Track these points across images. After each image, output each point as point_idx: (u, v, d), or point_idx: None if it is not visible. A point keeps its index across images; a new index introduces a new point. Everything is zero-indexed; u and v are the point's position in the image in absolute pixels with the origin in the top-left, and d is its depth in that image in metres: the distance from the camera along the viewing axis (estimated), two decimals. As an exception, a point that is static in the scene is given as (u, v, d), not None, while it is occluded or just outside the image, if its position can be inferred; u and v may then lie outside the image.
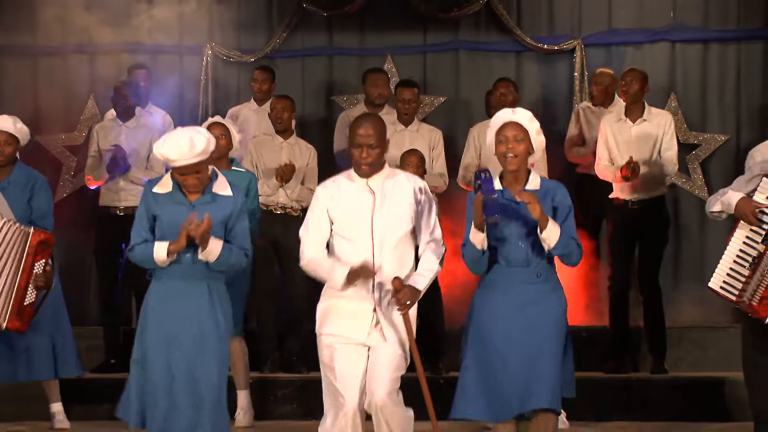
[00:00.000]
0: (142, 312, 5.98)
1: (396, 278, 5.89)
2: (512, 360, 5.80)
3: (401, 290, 5.87)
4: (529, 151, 5.87)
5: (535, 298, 5.86)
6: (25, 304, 5.90)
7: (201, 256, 5.83)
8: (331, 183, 6.18)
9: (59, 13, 10.48)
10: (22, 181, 7.54)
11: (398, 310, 5.91)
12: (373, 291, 5.94)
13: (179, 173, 5.85)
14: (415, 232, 6.06)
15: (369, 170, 5.99)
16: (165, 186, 5.98)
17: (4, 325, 5.85)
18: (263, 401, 8.21)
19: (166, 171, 6.08)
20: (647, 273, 8.72)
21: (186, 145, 5.75)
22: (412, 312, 6.06)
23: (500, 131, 5.84)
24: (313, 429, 7.48)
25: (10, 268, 5.83)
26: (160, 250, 5.84)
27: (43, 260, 5.94)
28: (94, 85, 10.57)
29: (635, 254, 8.76)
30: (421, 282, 6.00)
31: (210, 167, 5.99)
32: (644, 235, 8.67)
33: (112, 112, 9.35)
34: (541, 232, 5.73)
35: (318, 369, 7.93)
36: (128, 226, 6.09)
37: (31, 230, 5.92)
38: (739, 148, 10.19)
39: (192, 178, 5.86)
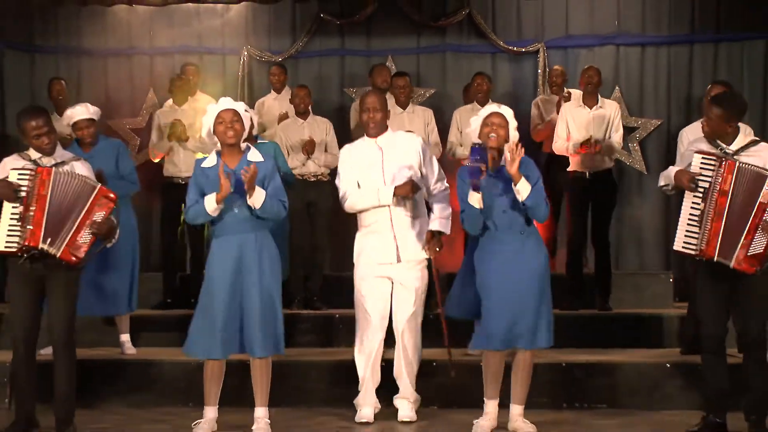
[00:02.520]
0: (207, 265, 6.03)
1: (428, 231, 6.28)
2: (510, 300, 5.91)
3: (431, 240, 6.27)
4: (506, 138, 6.05)
5: (521, 249, 5.99)
6: (79, 242, 5.84)
7: (249, 201, 5.85)
8: (349, 145, 6.55)
9: (125, 23, 10.53)
10: (108, 149, 7.54)
11: (430, 255, 6.31)
12: (393, 228, 6.26)
13: (220, 121, 5.96)
14: (421, 176, 6.35)
15: (376, 130, 6.37)
16: (210, 161, 6.04)
17: (59, 253, 5.81)
18: (289, 333, 8.22)
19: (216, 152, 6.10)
20: (599, 230, 8.68)
21: (231, 100, 6.07)
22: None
23: (488, 117, 6.07)
24: (328, 354, 7.54)
25: (77, 212, 5.81)
26: (209, 201, 5.88)
27: (103, 212, 5.89)
28: (153, 80, 10.62)
29: (589, 215, 8.74)
30: (445, 225, 6.35)
31: (245, 144, 6.10)
32: (597, 200, 8.64)
33: (170, 101, 9.33)
34: (515, 185, 5.86)
35: (334, 306, 8.02)
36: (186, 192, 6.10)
37: (98, 186, 5.89)
38: (670, 130, 10.27)
39: (230, 123, 5.94)
